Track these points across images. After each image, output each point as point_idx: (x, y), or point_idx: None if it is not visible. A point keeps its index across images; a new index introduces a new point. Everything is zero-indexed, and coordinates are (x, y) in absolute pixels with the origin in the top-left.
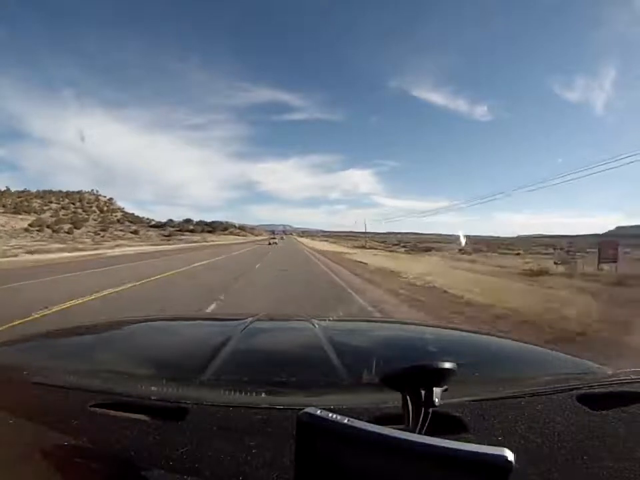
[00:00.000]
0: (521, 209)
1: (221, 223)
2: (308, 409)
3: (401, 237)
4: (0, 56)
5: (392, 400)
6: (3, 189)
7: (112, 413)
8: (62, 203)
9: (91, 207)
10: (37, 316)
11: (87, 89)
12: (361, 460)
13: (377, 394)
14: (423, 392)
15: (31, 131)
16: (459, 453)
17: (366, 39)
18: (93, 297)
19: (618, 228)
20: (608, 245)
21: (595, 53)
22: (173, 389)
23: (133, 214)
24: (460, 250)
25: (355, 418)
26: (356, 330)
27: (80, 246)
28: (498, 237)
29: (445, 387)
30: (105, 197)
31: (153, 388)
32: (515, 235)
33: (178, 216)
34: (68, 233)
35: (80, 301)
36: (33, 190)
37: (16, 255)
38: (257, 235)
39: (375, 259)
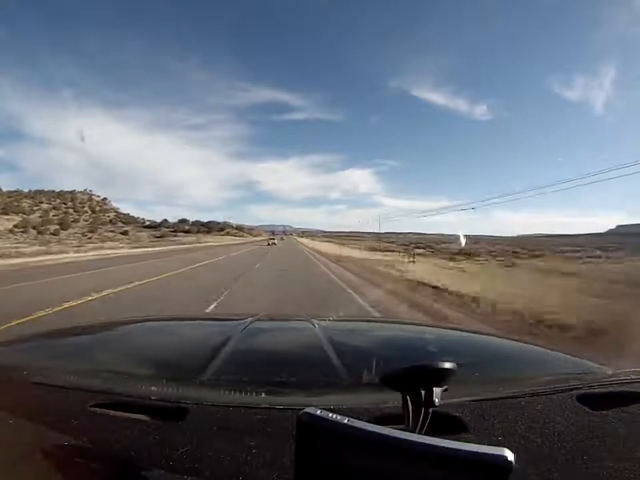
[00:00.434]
0: (521, 208)
1: (217, 223)
2: (308, 409)
3: (402, 236)
4: (0, 56)
5: (392, 400)
6: None
7: (112, 412)
8: (53, 203)
9: (83, 207)
10: None
11: (86, 89)
12: (360, 460)
13: (377, 394)
14: (422, 392)
15: (30, 131)
16: (459, 453)
17: (366, 39)
18: None
19: (619, 227)
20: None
21: (594, 52)
22: (172, 389)
23: (127, 214)
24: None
25: (355, 418)
26: (356, 330)
27: (54, 248)
28: (498, 237)
29: (445, 387)
30: (98, 196)
31: (152, 388)
32: (516, 235)
33: (176, 216)
34: (54, 234)
35: None
36: (27, 190)
37: None
38: (255, 236)
39: (448, 278)
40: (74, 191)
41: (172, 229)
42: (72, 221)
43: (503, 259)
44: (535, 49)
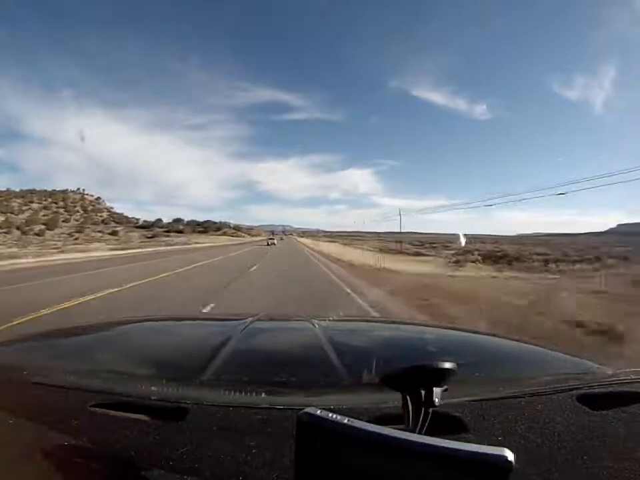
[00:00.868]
0: (521, 207)
1: (214, 222)
2: (308, 409)
3: (399, 236)
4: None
5: (392, 400)
6: None
7: (112, 412)
8: (44, 202)
9: (75, 206)
10: None
11: (86, 89)
12: (360, 460)
13: (377, 394)
14: (422, 392)
15: (30, 132)
16: (459, 453)
17: (366, 39)
18: None
19: (619, 226)
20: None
21: (594, 52)
22: (173, 389)
23: (121, 214)
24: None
25: (355, 418)
26: (356, 330)
27: (24, 251)
28: (498, 236)
29: (445, 386)
30: (92, 196)
31: (153, 388)
32: (516, 234)
33: (177, 216)
34: (38, 234)
35: None
36: (18, 190)
37: None
38: (254, 236)
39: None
40: (66, 190)
41: (165, 229)
42: (62, 221)
43: (559, 266)
44: (535, 48)
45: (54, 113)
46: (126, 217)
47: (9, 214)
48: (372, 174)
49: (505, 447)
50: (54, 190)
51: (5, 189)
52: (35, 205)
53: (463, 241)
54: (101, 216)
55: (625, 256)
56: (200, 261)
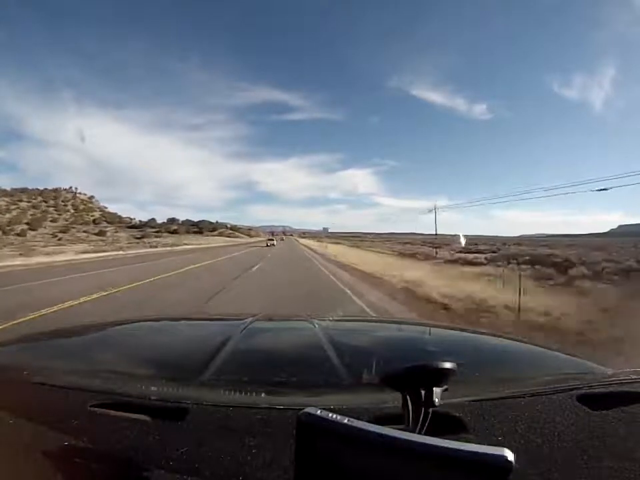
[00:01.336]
0: (522, 207)
1: (210, 222)
2: (308, 409)
3: (400, 237)
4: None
5: (392, 400)
6: None
7: (112, 412)
8: (33, 201)
9: (66, 205)
10: None
11: (86, 89)
12: (361, 460)
13: (377, 394)
14: (422, 392)
15: (30, 132)
16: (459, 453)
17: (366, 39)
18: None
19: (620, 226)
20: None
21: (594, 52)
22: (173, 389)
23: (115, 213)
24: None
25: (355, 418)
26: (356, 330)
27: None
28: (500, 237)
29: (445, 386)
30: (85, 194)
31: (152, 388)
32: (517, 235)
33: (177, 217)
34: (19, 234)
35: None
36: (9, 189)
37: None
38: (253, 236)
39: None
40: (57, 188)
41: (158, 229)
42: (51, 220)
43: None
44: (535, 48)
45: (54, 113)
46: (119, 216)
47: None
48: (372, 174)
49: (505, 446)
50: (45, 188)
51: None
52: (23, 204)
53: (462, 241)
54: (92, 215)
55: None
56: (162, 274)
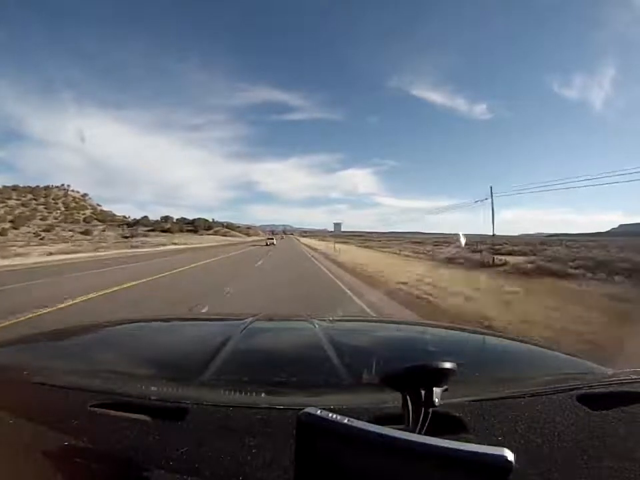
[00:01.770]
0: (523, 207)
1: (206, 220)
2: (308, 409)
3: (402, 235)
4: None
5: (392, 400)
6: None
7: (112, 412)
8: (23, 199)
9: (57, 203)
10: None
11: (86, 89)
12: (360, 460)
13: (377, 394)
14: (422, 392)
15: (30, 133)
16: (459, 453)
17: (366, 39)
18: None
19: (621, 226)
20: None
21: (594, 52)
22: (173, 389)
23: (109, 212)
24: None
25: (355, 418)
26: (356, 330)
27: None
28: (501, 236)
29: (445, 387)
30: (77, 192)
31: (152, 388)
32: (517, 234)
33: (177, 217)
34: (0, 234)
35: None
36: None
37: None
38: (251, 235)
39: None
40: (49, 186)
41: (151, 228)
42: (40, 219)
43: None
44: (535, 48)
45: (54, 113)
46: (112, 215)
47: None
48: (372, 174)
49: (505, 447)
50: (37, 186)
51: None
52: (12, 202)
53: (463, 241)
54: (83, 214)
55: None
56: (101, 290)
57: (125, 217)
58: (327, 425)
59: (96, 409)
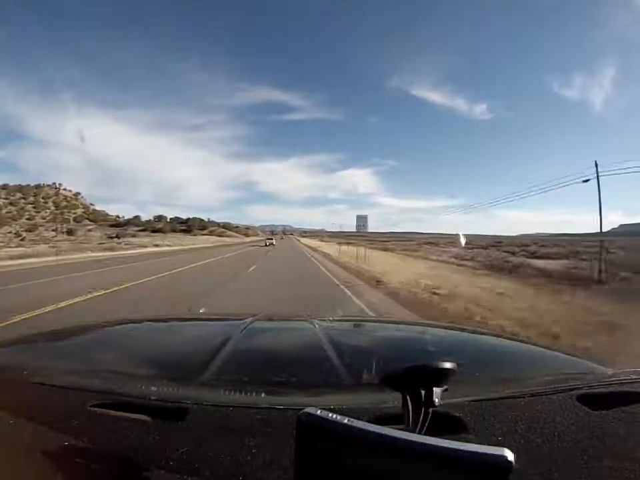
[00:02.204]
0: (523, 207)
1: (201, 220)
2: (308, 409)
3: (400, 236)
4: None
5: (392, 400)
6: None
7: (112, 412)
8: (11, 198)
9: (47, 202)
10: None
11: (86, 89)
12: (360, 460)
13: (377, 394)
14: (422, 392)
15: (30, 132)
16: (459, 453)
17: (366, 39)
18: None
19: (621, 226)
20: None
21: (594, 52)
22: (172, 389)
23: (101, 211)
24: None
25: (355, 418)
26: (356, 330)
27: None
28: (500, 236)
29: (445, 386)
30: (70, 191)
31: (152, 388)
32: (517, 234)
33: (169, 217)
34: None
35: None
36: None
37: None
38: (249, 236)
39: None
40: (39, 185)
41: (143, 227)
42: (27, 219)
43: None
44: (535, 48)
45: (54, 113)
46: (105, 214)
47: None
48: (372, 174)
49: (505, 446)
50: (28, 184)
51: None
52: (0, 201)
53: (462, 241)
54: (74, 213)
55: None
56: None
57: (117, 216)
58: (327, 425)
59: (96, 409)
